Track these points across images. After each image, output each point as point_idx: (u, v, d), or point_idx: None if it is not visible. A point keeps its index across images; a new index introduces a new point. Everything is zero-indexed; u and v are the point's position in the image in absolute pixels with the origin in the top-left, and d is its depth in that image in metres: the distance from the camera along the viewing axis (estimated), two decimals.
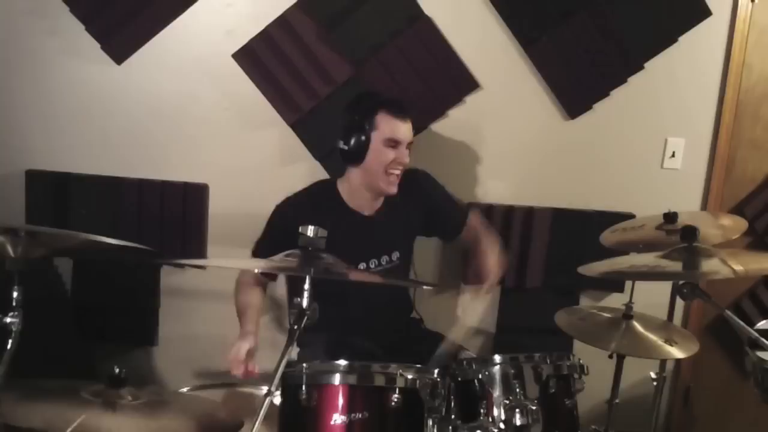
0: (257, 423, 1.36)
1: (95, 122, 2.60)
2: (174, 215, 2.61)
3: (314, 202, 2.21)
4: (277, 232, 2.16)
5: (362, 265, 2.21)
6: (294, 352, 2.14)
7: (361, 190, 2.21)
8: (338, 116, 2.21)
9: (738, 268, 1.67)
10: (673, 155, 2.70)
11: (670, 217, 2.14)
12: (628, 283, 2.46)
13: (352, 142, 2.13)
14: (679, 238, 1.81)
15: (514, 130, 2.67)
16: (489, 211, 2.67)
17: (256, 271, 2.22)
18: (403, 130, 2.15)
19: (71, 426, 1.28)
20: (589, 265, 1.84)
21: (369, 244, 2.22)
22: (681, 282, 1.76)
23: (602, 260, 1.88)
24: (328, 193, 2.25)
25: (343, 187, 2.24)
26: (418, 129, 2.37)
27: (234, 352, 1.89)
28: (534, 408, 1.66)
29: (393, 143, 2.13)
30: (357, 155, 2.14)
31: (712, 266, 1.73)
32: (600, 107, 2.66)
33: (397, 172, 2.16)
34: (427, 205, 2.35)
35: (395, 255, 2.27)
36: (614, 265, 1.90)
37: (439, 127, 2.64)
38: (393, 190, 2.19)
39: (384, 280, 2.18)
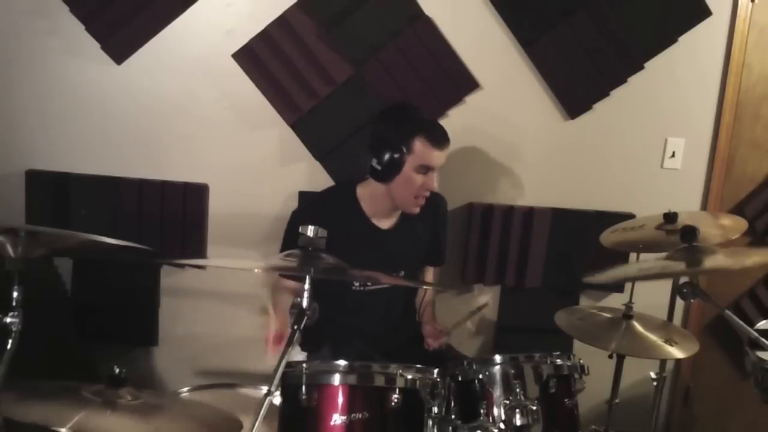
0: (257, 423, 1.36)
1: (95, 122, 2.60)
2: (174, 215, 2.61)
3: (332, 209, 2.20)
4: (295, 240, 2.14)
5: None
6: (300, 356, 2.15)
7: (383, 201, 2.21)
8: (372, 126, 2.22)
9: (745, 261, 1.67)
10: (673, 155, 2.71)
11: (670, 217, 2.14)
12: (628, 283, 2.46)
13: (385, 162, 2.10)
14: (679, 238, 1.81)
15: (514, 130, 2.67)
16: (489, 211, 2.67)
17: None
18: (438, 157, 2.13)
19: (70, 422, 1.28)
20: (595, 276, 1.84)
21: (380, 257, 2.19)
22: (681, 282, 1.76)
23: (603, 262, 1.88)
24: (346, 199, 2.24)
25: (363, 193, 2.23)
26: None
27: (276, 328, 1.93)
28: (534, 408, 1.66)
29: (425, 170, 2.12)
30: (387, 176, 2.12)
31: (714, 262, 1.73)
32: (600, 107, 2.67)
33: (425, 195, 2.16)
34: (434, 231, 2.37)
35: (400, 273, 2.26)
36: (619, 271, 1.90)
37: None
38: (416, 211, 2.19)
39: (385, 279, 2.17)
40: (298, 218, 2.20)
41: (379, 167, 2.11)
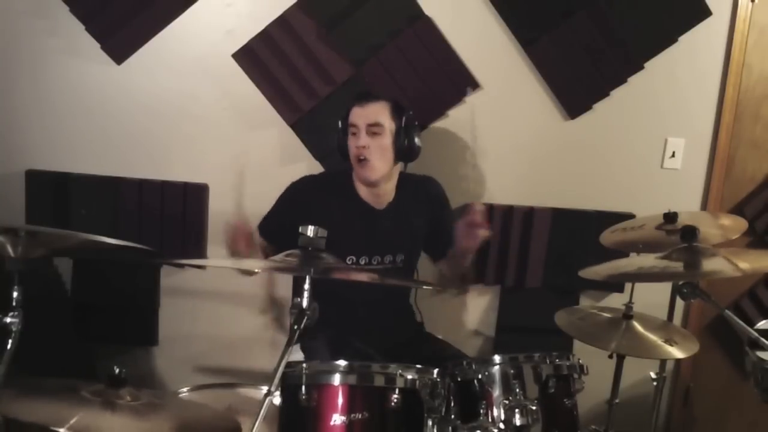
0: (257, 423, 1.36)
1: (95, 122, 2.60)
2: (174, 215, 2.61)
3: (329, 186, 2.27)
4: (287, 206, 2.24)
5: (364, 259, 2.21)
6: (297, 356, 2.15)
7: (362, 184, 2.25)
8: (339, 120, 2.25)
9: (742, 265, 1.67)
10: (673, 155, 2.71)
11: (670, 217, 2.14)
12: (628, 283, 2.46)
13: (339, 146, 2.24)
14: (679, 238, 1.81)
15: (514, 130, 2.67)
16: (489, 211, 2.66)
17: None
18: (358, 113, 2.17)
19: (68, 422, 1.28)
20: (591, 269, 1.83)
21: (375, 238, 2.23)
22: (681, 282, 1.76)
23: (603, 262, 1.87)
24: (343, 180, 2.27)
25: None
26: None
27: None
28: (534, 408, 1.66)
29: (353, 129, 2.18)
30: (344, 149, 2.22)
31: (713, 265, 1.72)
32: (600, 107, 2.67)
33: (360, 156, 2.15)
34: (431, 215, 2.35)
35: (399, 257, 2.27)
36: (616, 268, 1.89)
37: (439, 127, 2.64)
38: (366, 175, 2.18)
39: (383, 279, 2.17)
40: (295, 189, 2.27)
41: (336, 146, 2.25)
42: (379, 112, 2.17)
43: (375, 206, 2.26)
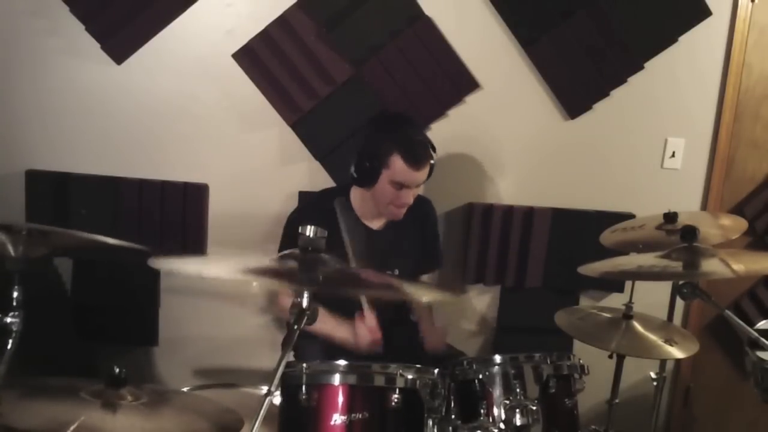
0: (257, 423, 1.36)
1: (95, 122, 2.60)
2: (174, 215, 2.61)
3: (326, 210, 2.20)
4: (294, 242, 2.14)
5: None
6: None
7: (370, 204, 2.23)
8: (359, 132, 2.25)
9: (738, 267, 1.67)
10: (673, 155, 2.71)
11: (670, 217, 2.14)
12: (628, 283, 2.46)
13: (362, 170, 2.12)
14: (679, 238, 1.81)
15: (514, 130, 2.67)
16: (489, 211, 2.67)
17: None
18: (414, 177, 2.12)
19: (70, 428, 1.28)
20: (590, 266, 1.83)
21: (372, 257, 2.22)
22: (681, 282, 1.76)
23: (602, 260, 1.87)
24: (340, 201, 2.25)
25: (354, 195, 2.26)
26: None
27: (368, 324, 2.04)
28: (534, 408, 1.67)
29: (399, 186, 2.13)
30: (363, 184, 2.16)
31: (712, 266, 1.72)
32: (600, 107, 2.67)
33: (401, 208, 2.17)
34: (425, 234, 2.39)
35: (395, 273, 2.27)
36: (616, 265, 1.89)
37: (439, 127, 2.64)
38: (398, 217, 2.21)
39: (382, 279, 2.17)
40: (295, 220, 2.23)
41: (355, 174, 2.14)
42: (427, 172, 2.16)
43: (371, 226, 2.27)
